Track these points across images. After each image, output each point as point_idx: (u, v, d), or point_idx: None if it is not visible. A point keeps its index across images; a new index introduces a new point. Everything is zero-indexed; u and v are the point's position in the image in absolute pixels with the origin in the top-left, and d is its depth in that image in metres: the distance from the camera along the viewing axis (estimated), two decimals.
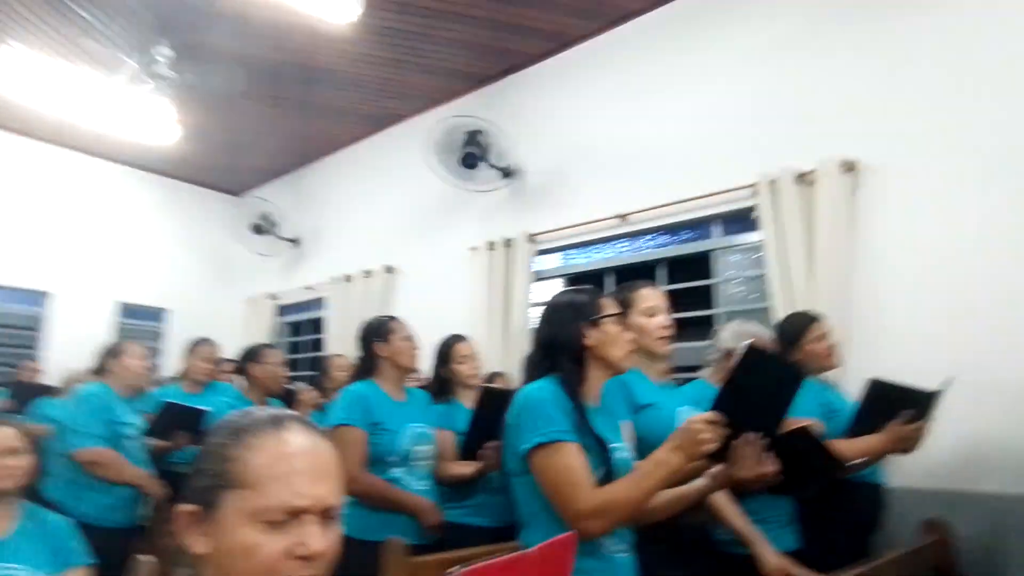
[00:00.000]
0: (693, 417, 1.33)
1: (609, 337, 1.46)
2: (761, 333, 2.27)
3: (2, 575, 1.63)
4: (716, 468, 1.45)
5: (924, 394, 2.03)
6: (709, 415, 1.31)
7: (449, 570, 0.87)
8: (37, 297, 5.61)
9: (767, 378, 1.38)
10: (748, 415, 1.37)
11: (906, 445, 2.03)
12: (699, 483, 1.49)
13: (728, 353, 2.20)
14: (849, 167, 2.84)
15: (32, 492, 2.25)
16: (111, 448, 2.63)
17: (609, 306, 1.50)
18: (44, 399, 3.88)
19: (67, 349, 4.92)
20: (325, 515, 0.73)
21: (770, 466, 1.45)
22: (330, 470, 0.76)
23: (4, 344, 5.36)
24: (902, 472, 2.40)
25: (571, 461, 1.32)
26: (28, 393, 3.99)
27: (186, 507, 0.75)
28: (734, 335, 2.24)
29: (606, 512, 1.29)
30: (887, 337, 2.68)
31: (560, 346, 1.46)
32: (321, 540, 0.71)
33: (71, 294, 5.69)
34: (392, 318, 2.36)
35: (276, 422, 0.77)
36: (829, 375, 2.41)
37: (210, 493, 0.73)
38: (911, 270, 2.68)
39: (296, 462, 0.73)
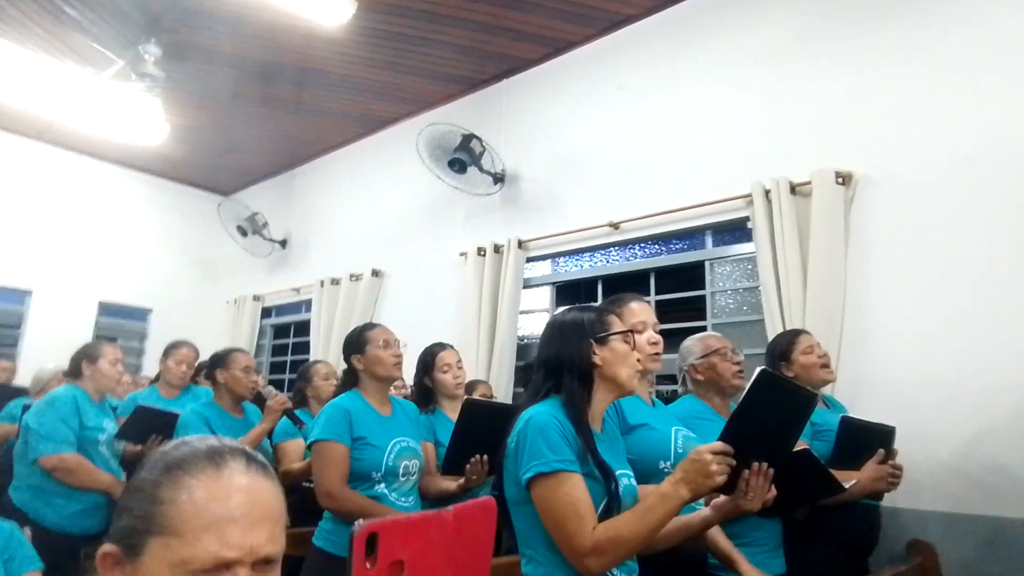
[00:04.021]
0: (700, 448, 1.25)
1: (617, 355, 1.39)
2: (707, 342, 2.14)
3: None
4: (721, 498, 1.37)
5: (886, 430, 2.13)
6: (718, 446, 1.24)
7: (357, 521, 0.82)
8: (19, 295, 5.52)
9: (778, 404, 1.30)
10: (757, 443, 1.29)
11: (885, 484, 2.06)
12: (703, 513, 1.41)
13: (692, 368, 2.11)
14: (844, 178, 2.80)
15: None
16: (79, 453, 2.54)
17: (616, 323, 1.44)
18: (16, 400, 3.78)
19: (47, 348, 4.81)
20: (260, 564, 0.66)
21: (772, 492, 1.37)
22: (269, 514, 0.68)
23: None
24: (890, 493, 2.34)
25: (574, 493, 1.24)
26: None
27: (108, 547, 0.68)
28: (687, 350, 2.14)
29: (609, 549, 1.21)
30: (881, 350, 2.64)
31: (567, 366, 1.38)
32: None
33: (52, 292, 5.61)
34: (370, 326, 2.24)
35: (214, 458, 0.69)
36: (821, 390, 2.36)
37: (134, 536, 0.66)
38: (906, 282, 2.63)
39: (230, 508, 0.66)
